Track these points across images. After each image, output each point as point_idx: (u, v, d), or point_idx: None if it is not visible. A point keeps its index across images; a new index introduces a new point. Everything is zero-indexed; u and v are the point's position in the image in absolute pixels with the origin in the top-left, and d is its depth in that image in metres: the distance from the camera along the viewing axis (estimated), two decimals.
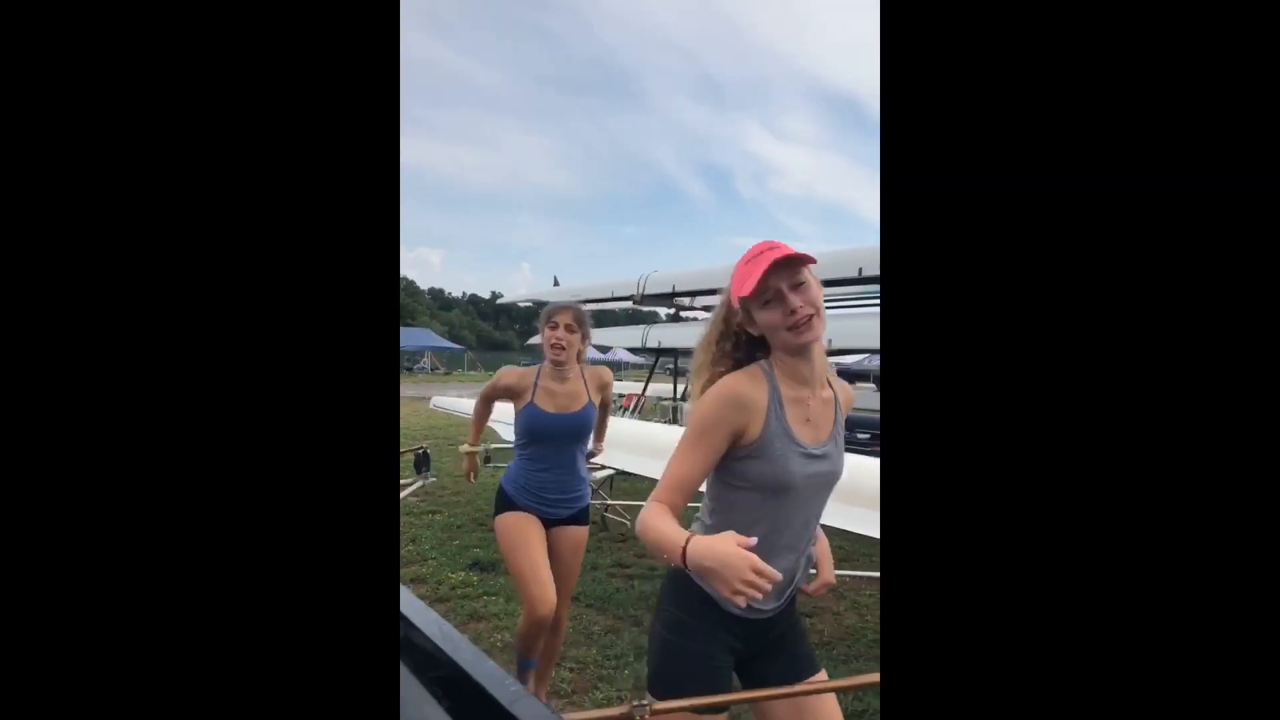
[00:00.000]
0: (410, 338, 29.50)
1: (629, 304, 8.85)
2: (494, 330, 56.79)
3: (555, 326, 2.08)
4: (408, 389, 17.96)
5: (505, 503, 2.15)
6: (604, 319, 12.23)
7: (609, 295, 8.81)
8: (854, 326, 5.52)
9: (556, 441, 2.11)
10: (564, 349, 2.08)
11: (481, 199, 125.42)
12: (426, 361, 28.03)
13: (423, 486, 4.09)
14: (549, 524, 2.14)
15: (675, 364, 9.57)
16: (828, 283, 6.09)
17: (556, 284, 10.88)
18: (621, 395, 10.78)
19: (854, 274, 5.64)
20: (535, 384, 2.12)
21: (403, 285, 57.76)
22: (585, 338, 2.14)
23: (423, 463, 3.56)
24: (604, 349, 21.14)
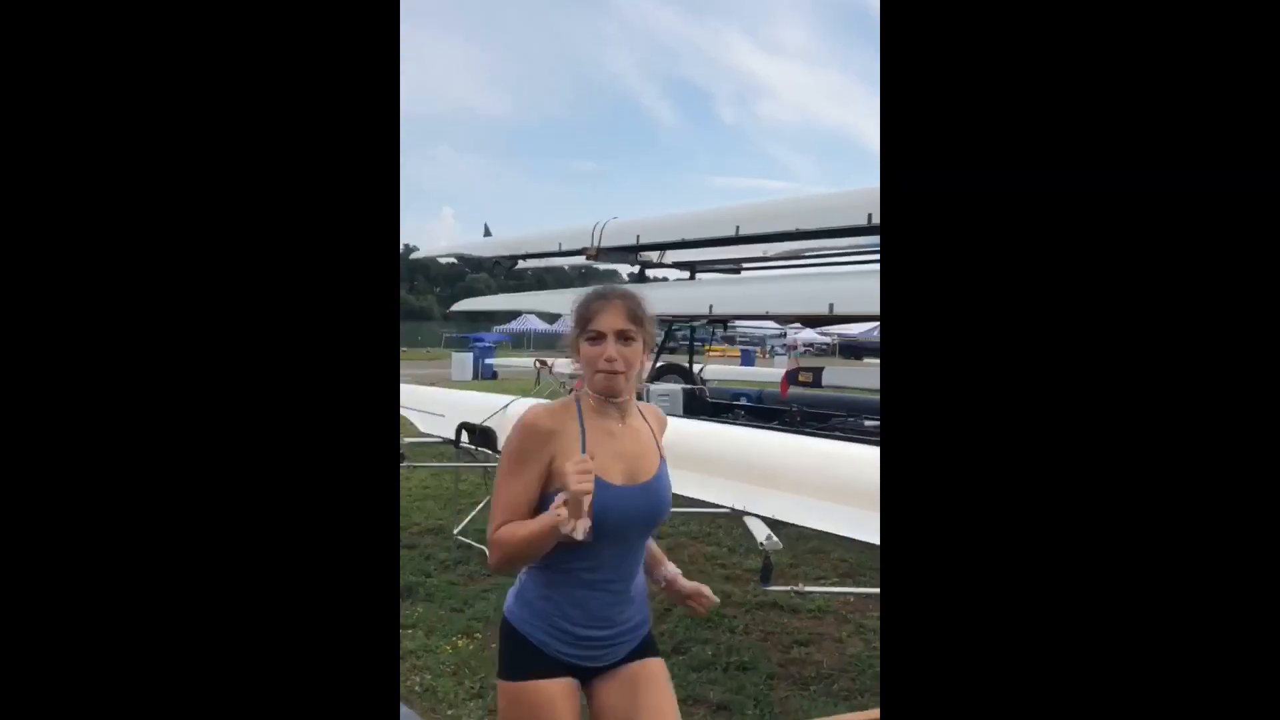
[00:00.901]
0: None
1: (582, 259, 8.76)
2: (409, 294, 56.02)
3: (600, 336, 1.37)
4: None
5: (519, 650, 1.40)
6: (551, 280, 12.10)
7: (556, 248, 8.66)
8: (860, 288, 5.31)
9: (625, 534, 1.40)
10: (620, 372, 1.37)
11: None
12: None
13: None
14: (589, 676, 1.44)
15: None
16: (831, 232, 6.12)
17: (488, 233, 10.72)
18: (574, 377, 10.71)
19: (862, 221, 5.60)
20: (581, 433, 1.40)
21: None
22: (650, 347, 1.45)
23: None
24: (552, 318, 21.06)
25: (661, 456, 1.49)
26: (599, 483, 1.30)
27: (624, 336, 1.36)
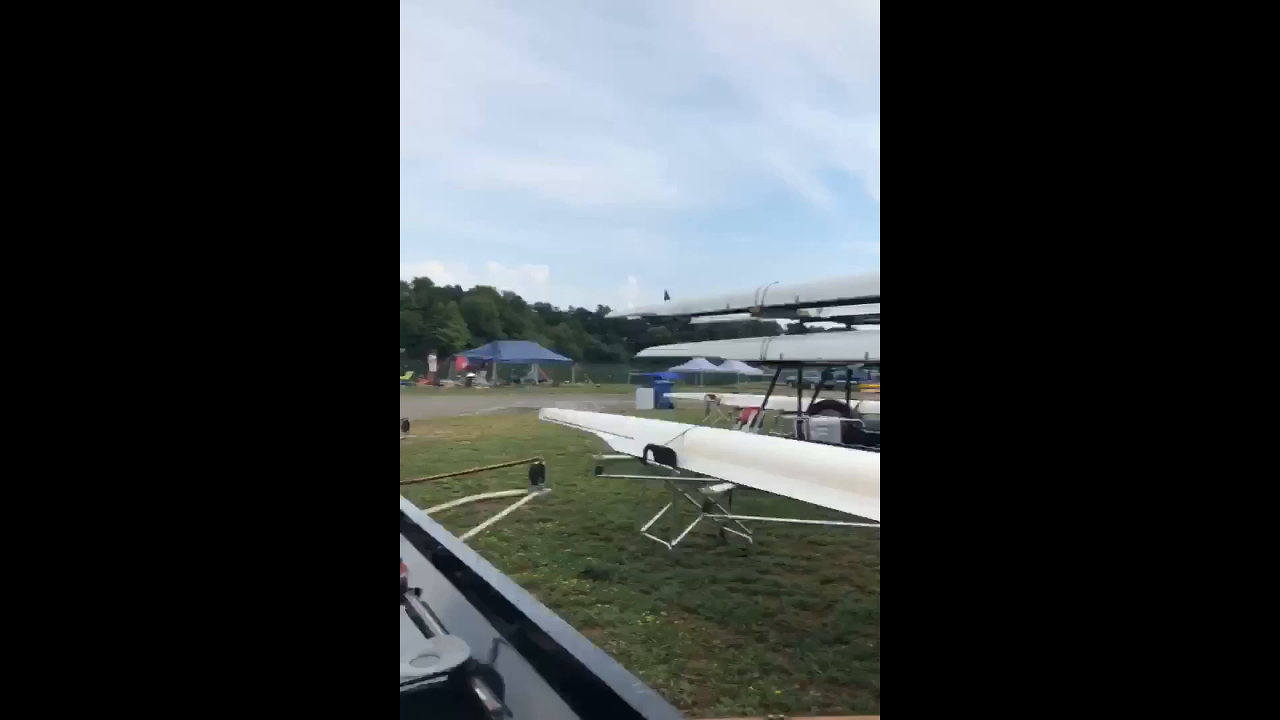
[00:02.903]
0: (517, 350, 30.98)
1: (747, 316, 8.94)
2: (601, 343, 58.46)
3: None
4: (516, 400, 18.84)
5: None
6: (721, 332, 12.34)
7: (724, 308, 8.96)
8: None
9: None
10: None
11: (586, 216, 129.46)
12: (534, 373, 29.27)
13: (537, 497, 4.40)
14: None
15: (800, 376, 9.51)
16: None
17: (667, 298, 11.14)
18: (739, 409, 10.82)
19: None
20: None
21: (509, 300, 61.23)
22: None
23: (538, 474, 3.87)
24: (718, 361, 21.20)
25: None
26: None
27: None
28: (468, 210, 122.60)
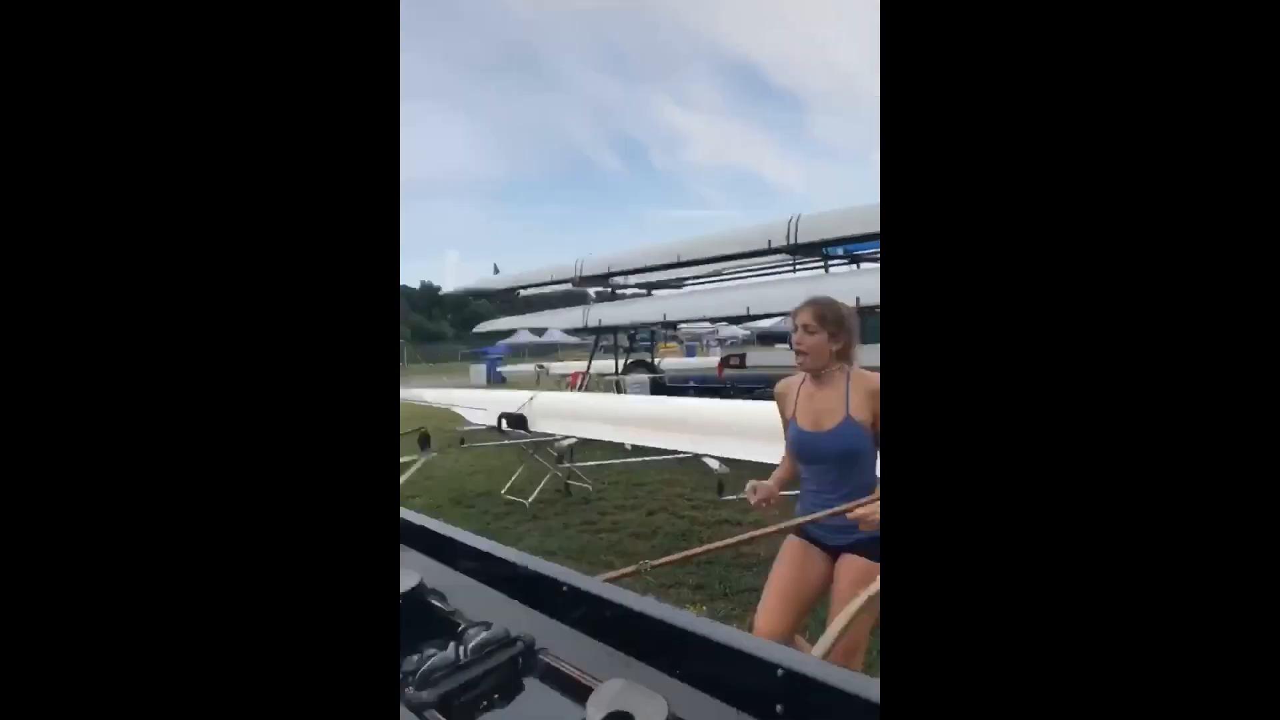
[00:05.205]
0: None
1: (563, 286, 9.22)
2: (427, 321, 55.36)
3: (796, 329, 1.73)
4: None
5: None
6: (538, 302, 12.48)
7: (549, 279, 9.18)
8: (768, 294, 6.68)
9: (815, 461, 1.74)
10: (802, 353, 1.72)
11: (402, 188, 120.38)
12: None
13: (427, 461, 4.49)
14: (833, 554, 1.74)
15: (615, 340, 9.95)
16: (746, 254, 6.86)
17: (496, 271, 11.04)
18: (566, 375, 11.13)
19: (765, 245, 6.45)
20: (797, 394, 1.78)
21: None
22: (837, 339, 1.71)
23: (425, 442, 3.99)
24: (540, 331, 21.29)
25: (848, 414, 1.67)
26: (794, 425, 1.78)
27: (807, 329, 1.71)
28: None
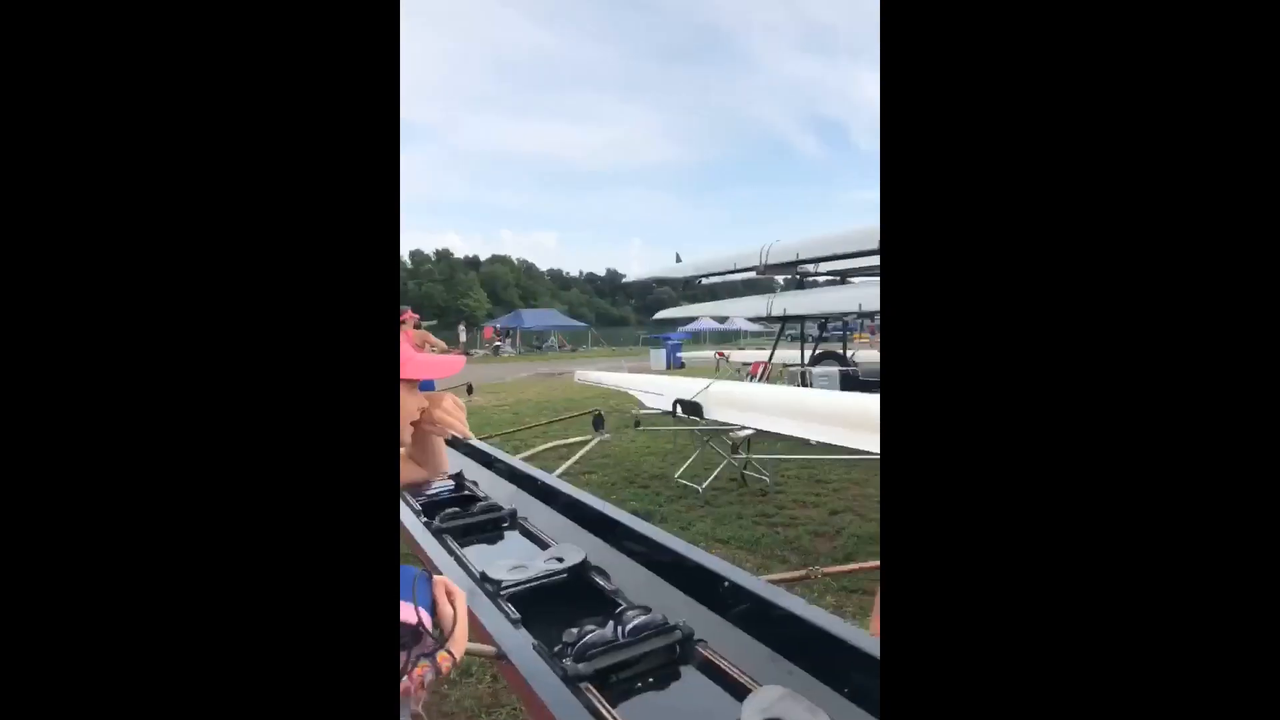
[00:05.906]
0: (537, 318, 31.08)
1: (746, 274, 9.08)
2: (611, 307, 58.20)
3: None
4: (540, 366, 19.08)
5: None
6: (722, 291, 12.44)
7: (732, 267, 9.09)
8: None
9: None
10: None
11: (590, 177, 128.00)
12: (554, 340, 29.47)
13: (601, 440, 4.75)
14: None
15: (801, 330, 9.63)
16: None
17: (679, 260, 11.21)
18: (747, 364, 11.02)
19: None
20: None
21: (524, 267, 60.00)
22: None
23: (599, 422, 4.18)
24: (721, 319, 21.34)
25: None
26: None
27: None
28: (479, 179, 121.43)
